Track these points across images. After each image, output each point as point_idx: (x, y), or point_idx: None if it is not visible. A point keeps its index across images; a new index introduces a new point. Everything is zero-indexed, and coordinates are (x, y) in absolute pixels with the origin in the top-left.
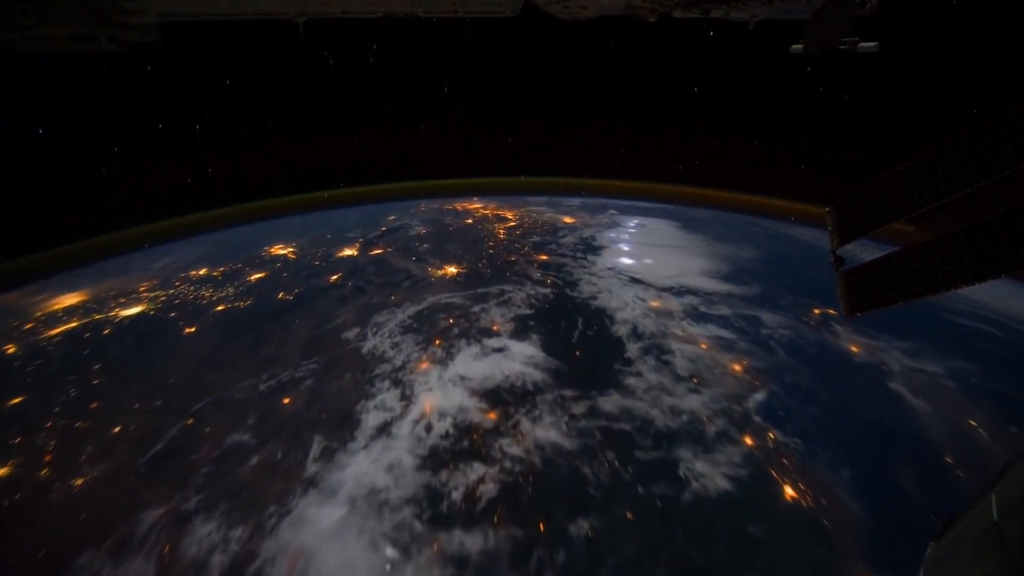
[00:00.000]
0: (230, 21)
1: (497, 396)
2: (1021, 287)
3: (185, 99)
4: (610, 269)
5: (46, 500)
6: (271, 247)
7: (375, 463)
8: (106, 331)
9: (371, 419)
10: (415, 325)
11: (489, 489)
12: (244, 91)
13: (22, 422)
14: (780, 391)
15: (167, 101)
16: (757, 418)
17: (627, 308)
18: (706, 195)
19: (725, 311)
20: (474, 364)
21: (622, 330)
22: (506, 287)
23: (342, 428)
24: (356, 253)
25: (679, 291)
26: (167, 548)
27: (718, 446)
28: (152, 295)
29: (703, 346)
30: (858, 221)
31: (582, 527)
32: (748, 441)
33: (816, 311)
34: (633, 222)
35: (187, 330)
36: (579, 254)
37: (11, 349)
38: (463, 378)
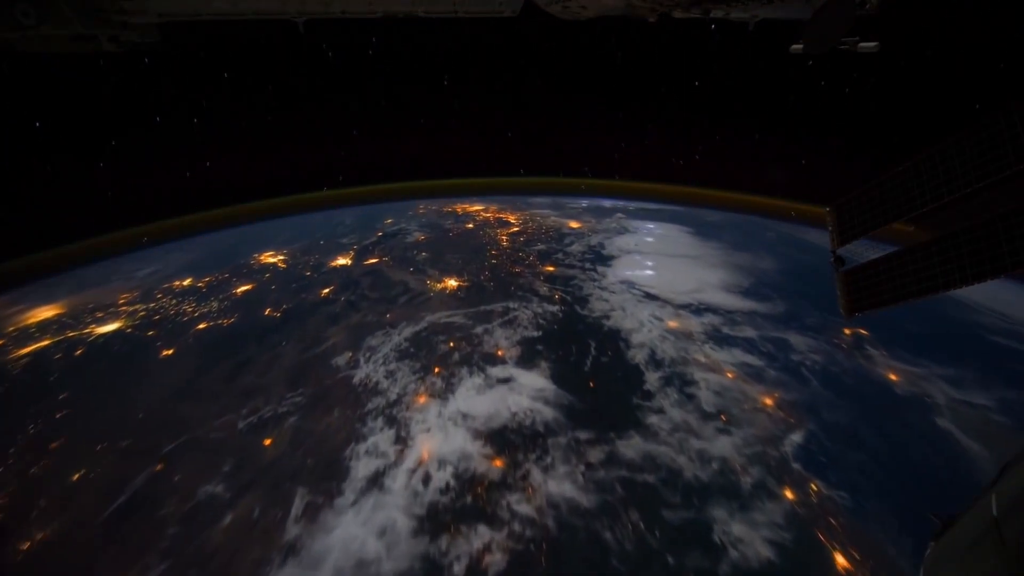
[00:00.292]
0: (229, 21)
1: (503, 439)
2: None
3: (179, 99)
4: (622, 283)
5: None
6: (261, 254)
7: (365, 525)
8: (78, 351)
9: (362, 467)
10: (412, 349)
11: (496, 560)
12: (240, 90)
13: None
14: (819, 431)
15: (160, 101)
16: (796, 465)
17: (643, 329)
18: (716, 196)
19: (750, 333)
20: (477, 399)
21: (639, 356)
22: (511, 304)
23: (329, 478)
24: (350, 262)
25: (698, 309)
26: None
27: (756, 502)
28: (131, 309)
29: (729, 375)
30: (858, 221)
31: None
32: (789, 495)
33: (847, 331)
34: (643, 227)
35: (164, 352)
36: (588, 264)
37: None
38: (465, 416)
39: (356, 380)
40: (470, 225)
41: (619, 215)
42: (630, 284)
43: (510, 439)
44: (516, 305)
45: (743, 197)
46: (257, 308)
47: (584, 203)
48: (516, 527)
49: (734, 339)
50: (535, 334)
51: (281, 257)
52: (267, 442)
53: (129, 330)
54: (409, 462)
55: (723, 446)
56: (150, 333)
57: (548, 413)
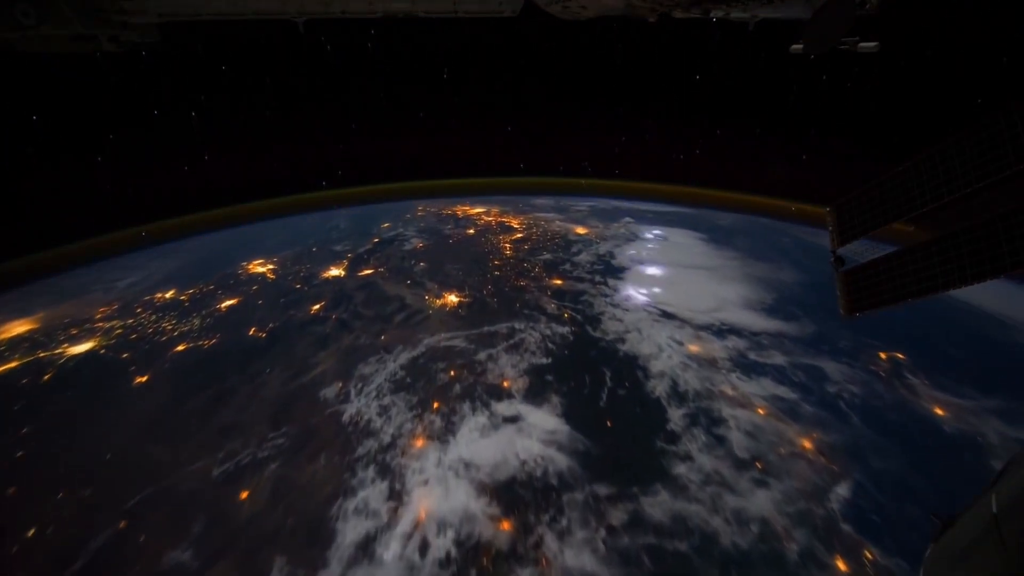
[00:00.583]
0: (228, 20)
1: (512, 494)
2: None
3: (175, 98)
4: (635, 298)
5: None
6: (250, 262)
7: None
8: (47, 376)
9: (350, 530)
10: (408, 379)
11: None
12: (237, 90)
13: None
14: (867, 481)
15: (154, 100)
16: (846, 526)
17: (662, 355)
18: (722, 197)
19: (779, 359)
20: (481, 443)
21: (659, 388)
22: (516, 324)
23: (311, 544)
24: (343, 273)
25: (720, 330)
26: None
27: None
28: (108, 325)
29: (760, 411)
30: (858, 221)
31: None
32: (841, 566)
33: (882, 355)
34: (653, 233)
35: (138, 379)
36: (598, 277)
37: None
38: (468, 465)
39: (346, 417)
40: (471, 231)
41: (627, 219)
42: (645, 300)
43: (519, 495)
44: (522, 326)
45: (751, 199)
46: (241, 327)
47: (588, 204)
48: None
49: (762, 367)
50: (544, 361)
51: (271, 266)
52: (244, 495)
53: (103, 351)
54: (404, 524)
55: (762, 503)
56: (124, 355)
57: (562, 461)
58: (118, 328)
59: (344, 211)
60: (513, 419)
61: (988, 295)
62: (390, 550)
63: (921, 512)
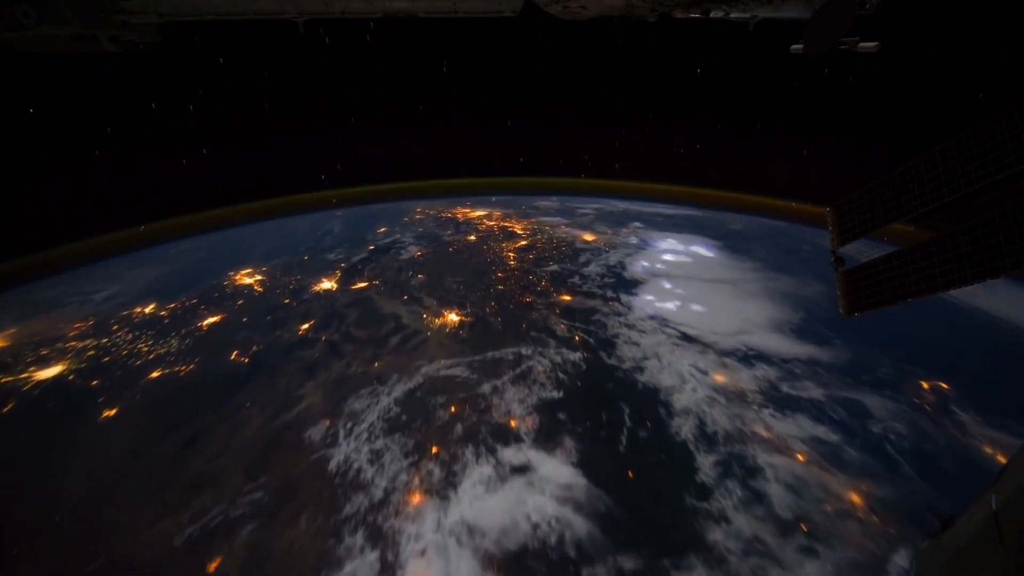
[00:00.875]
0: (228, 20)
1: (524, 569)
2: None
3: (169, 97)
4: (652, 318)
5: None
6: (237, 272)
7: None
8: (7, 407)
9: None
10: (404, 417)
11: None
12: (232, 89)
13: None
14: None
15: (148, 100)
16: None
17: (685, 387)
18: (730, 198)
19: (815, 392)
20: (487, 501)
21: (685, 428)
22: (523, 350)
23: None
24: (335, 286)
25: (747, 356)
26: None
27: None
28: (81, 345)
29: (800, 458)
30: (858, 221)
31: None
32: None
33: (925, 384)
34: (664, 242)
35: (106, 413)
36: (609, 292)
37: None
38: (472, 530)
39: (333, 465)
40: (472, 237)
41: (636, 224)
42: (662, 320)
43: (532, 569)
44: (529, 351)
45: (762, 200)
46: (223, 350)
47: (594, 207)
48: None
49: (797, 401)
50: (555, 395)
51: (259, 277)
52: (212, 567)
53: (72, 376)
54: None
55: None
56: (94, 383)
57: (580, 526)
58: (91, 349)
59: (340, 212)
60: (523, 469)
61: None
62: None
63: None
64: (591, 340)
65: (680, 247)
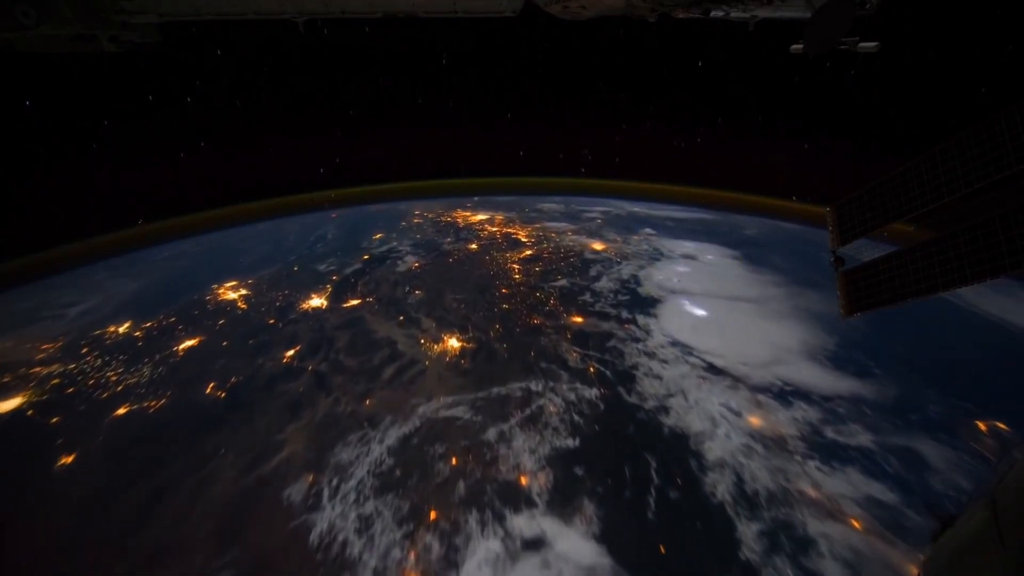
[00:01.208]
0: (228, 20)
1: None
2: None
3: (164, 97)
4: (673, 344)
5: None
6: (222, 285)
7: None
8: None
9: None
10: (398, 472)
11: None
12: (229, 88)
13: None
14: None
15: (142, 100)
16: None
17: (718, 432)
18: (740, 200)
19: (864, 438)
20: None
21: (721, 487)
22: (532, 385)
23: None
24: (325, 304)
25: (783, 392)
26: None
27: None
28: (47, 371)
29: (856, 525)
30: (858, 221)
31: None
32: None
33: (981, 426)
34: (679, 249)
35: (63, 459)
36: (624, 312)
37: None
38: None
39: (315, 536)
40: (473, 245)
41: (647, 231)
42: (684, 348)
43: None
44: (539, 386)
45: (771, 202)
46: (198, 380)
47: (600, 210)
48: None
49: (845, 450)
50: (570, 443)
51: (244, 291)
52: None
53: (30, 412)
54: None
55: None
56: (54, 420)
57: None
58: (56, 376)
59: (336, 214)
60: (536, 544)
61: None
62: None
63: None
64: (607, 372)
65: (696, 257)
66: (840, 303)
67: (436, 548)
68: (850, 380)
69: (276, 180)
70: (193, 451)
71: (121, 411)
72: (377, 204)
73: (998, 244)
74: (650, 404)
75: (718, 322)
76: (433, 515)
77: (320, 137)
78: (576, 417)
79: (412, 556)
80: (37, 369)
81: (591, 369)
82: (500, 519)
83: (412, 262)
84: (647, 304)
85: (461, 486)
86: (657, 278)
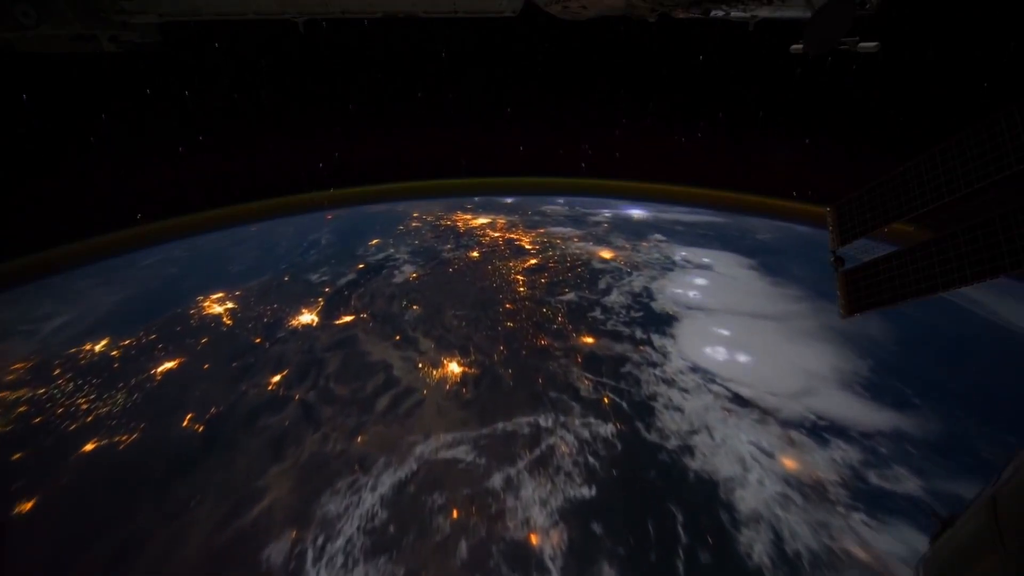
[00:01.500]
0: (228, 20)
1: None
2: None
3: (159, 96)
4: (694, 370)
5: None
6: (207, 297)
7: None
8: None
9: None
10: (392, 528)
11: None
12: (224, 87)
13: None
14: None
15: (136, 99)
16: None
17: (749, 478)
18: (746, 201)
19: (911, 484)
20: None
21: (758, 546)
22: (541, 419)
23: None
24: (316, 320)
25: (817, 427)
26: None
27: None
28: (14, 396)
29: None
30: (858, 221)
31: None
32: None
33: None
34: (692, 258)
35: (19, 507)
36: (639, 331)
37: None
38: None
39: None
40: (475, 254)
41: (656, 237)
42: (706, 374)
43: None
44: (549, 422)
45: (781, 203)
46: (175, 411)
47: (605, 213)
48: None
49: (892, 499)
50: (585, 492)
51: (230, 305)
52: None
53: None
54: None
55: None
56: (16, 456)
57: None
58: (23, 403)
59: (330, 215)
60: None
61: None
62: None
63: None
64: (623, 404)
65: (710, 267)
66: (840, 303)
67: None
68: (889, 412)
69: (274, 180)
70: (165, 499)
71: (89, 447)
72: (375, 205)
73: (998, 244)
74: (672, 443)
75: (740, 344)
76: None
77: (319, 137)
78: (591, 459)
79: None
80: (4, 394)
81: (605, 400)
82: None
83: (410, 272)
84: (662, 322)
85: (463, 547)
86: (671, 291)
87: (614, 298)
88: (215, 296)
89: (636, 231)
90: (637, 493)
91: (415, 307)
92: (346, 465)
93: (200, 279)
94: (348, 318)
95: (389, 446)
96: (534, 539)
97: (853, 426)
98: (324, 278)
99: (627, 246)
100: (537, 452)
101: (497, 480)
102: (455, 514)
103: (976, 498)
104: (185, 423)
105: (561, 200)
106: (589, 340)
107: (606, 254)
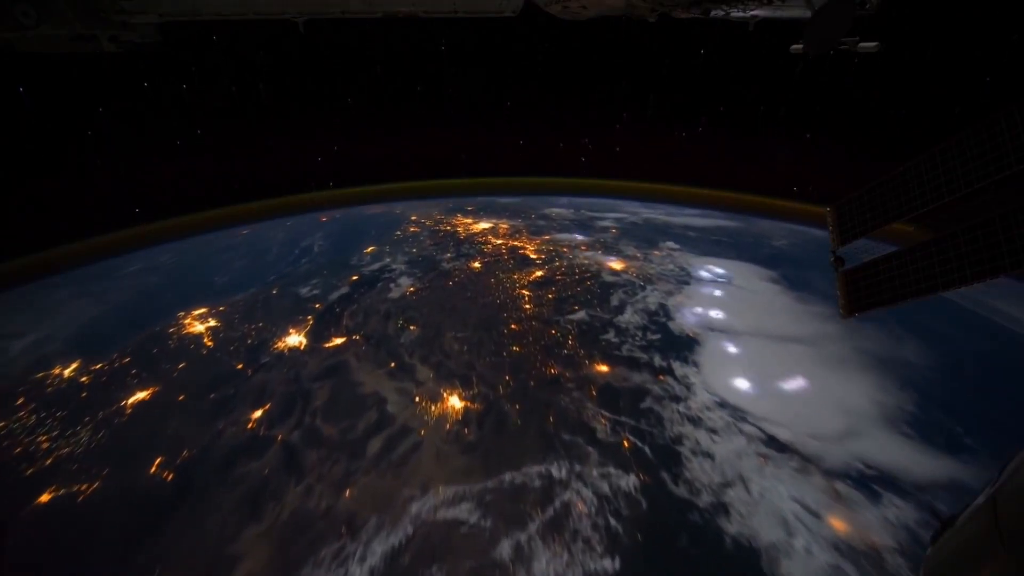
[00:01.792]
0: (228, 20)
1: None
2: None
3: (155, 96)
4: (722, 406)
5: None
6: (189, 312)
7: None
8: None
9: None
10: None
11: None
12: (227, 87)
13: None
14: None
15: (132, 99)
16: None
17: (794, 546)
18: (754, 202)
19: None
20: None
21: None
22: (554, 469)
23: None
24: (304, 342)
25: (865, 479)
26: None
27: None
28: None
29: None
30: (858, 221)
31: None
32: None
33: None
34: (709, 270)
35: None
36: (658, 357)
37: None
38: None
39: None
40: (476, 264)
41: (669, 245)
42: (736, 411)
43: None
44: (563, 472)
45: (790, 204)
46: (143, 453)
47: (613, 216)
48: None
49: None
50: (607, 566)
51: (213, 322)
52: None
53: None
54: None
55: None
56: None
57: None
58: None
59: (326, 217)
60: None
61: None
62: None
63: None
64: (646, 448)
65: (728, 280)
66: (840, 303)
67: None
68: (943, 458)
69: (272, 180)
70: (124, 568)
71: (45, 497)
72: (373, 205)
73: (998, 244)
74: (704, 499)
75: (771, 373)
76: None
77: (319, 137)
78: (612, 521)
79: None
80: None
81: (625, 443)
82: None
83: (407, 286)
84: (683, 346)
85: None
86: (690, 309)
87: (628, 317)
88: (197, 312)
89: (646, 237)
90: (667, 566)
91: (412, 327)
92: (332, 527)
93: (183, 291)
94: (339, 340)
95: (381, 502)
96: None
97: (905, 476)
98: (315, 292)
99: (638, 255)
100: (550, 511)
101: (505, 549)
102: None
103: (976, 498)
104: (153, 469)
105: (564, 201)
106: (604, 368)
107: (616, 265)
